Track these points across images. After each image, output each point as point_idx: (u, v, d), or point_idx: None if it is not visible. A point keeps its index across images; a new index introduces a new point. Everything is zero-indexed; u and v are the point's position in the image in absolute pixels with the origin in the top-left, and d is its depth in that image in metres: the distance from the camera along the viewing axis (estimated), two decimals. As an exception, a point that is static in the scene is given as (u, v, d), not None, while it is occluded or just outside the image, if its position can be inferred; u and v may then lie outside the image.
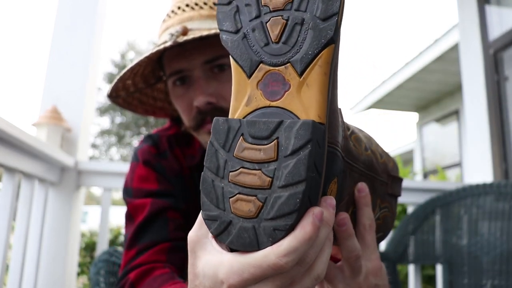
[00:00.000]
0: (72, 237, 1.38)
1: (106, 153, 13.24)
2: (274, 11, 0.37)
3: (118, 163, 1.55)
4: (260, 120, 0.35)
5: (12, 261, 1.11)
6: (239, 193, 0.35)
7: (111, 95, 0.81)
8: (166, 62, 0.75)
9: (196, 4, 0.73)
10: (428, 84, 5.56)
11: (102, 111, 12.56)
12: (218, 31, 0.51)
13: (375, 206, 0.52)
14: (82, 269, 3.19)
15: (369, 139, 0.54)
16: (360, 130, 0.54)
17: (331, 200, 0.37)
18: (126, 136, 12.98)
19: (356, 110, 7.09)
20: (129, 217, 0.74)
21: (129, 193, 0.77)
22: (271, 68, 0.37)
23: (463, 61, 2.47)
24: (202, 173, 0.38)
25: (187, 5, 0.73)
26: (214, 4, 0.74)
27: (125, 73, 0.76)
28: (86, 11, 1.53)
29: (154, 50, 0.69)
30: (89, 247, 3.46)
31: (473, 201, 1.17)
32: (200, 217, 0.39)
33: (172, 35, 0.69)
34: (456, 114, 5.72)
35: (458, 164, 5.66)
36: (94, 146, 12.89)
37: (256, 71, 0.37)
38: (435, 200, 1.23)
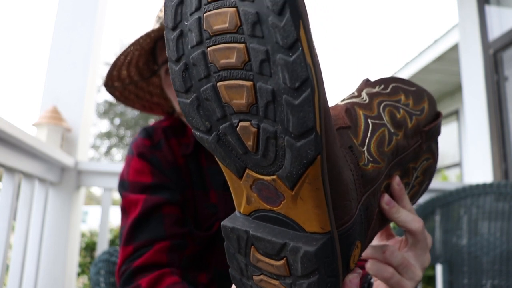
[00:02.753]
0: (72, 237, 1.38)
1: (106, 154, 13.22)
2: (239, 113, 0.31)
3: (118, 163, 1.55)
4: (265, 238, 0.34)
5: (12, 261, 1.11)
6: None
7: (107, 84, 0.83)
8: (159, 52, 0.77)
9: None
10: (428, 84, 5.56)
11: (102, 113, 12.55)
12: None
13: (408, 172, 0.50)
14: (82, 269, 3.19)
15: (393, 110, 0.47)
16: (383, 108, 0.46)
17: (353, 279, 0.38)
18: (126, 137, 12.98)
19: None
20: (124, 211, 0.75)
21: (125, 186, 0.77)
22: (259, 176, 0.33)
23: (463, 61, 2.47)
24: (230, 269, 0.39)
25: None
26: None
27: (118, 58, 0.77)
28: (86, 11, 1.53)
29: (144, 34, 0.70)
30: (89, 247, 3.45)
31: (473, 201, 1.17)
32: None
33: (160, 17, 0.70)
34: (456, 114, 5.72)
35: (458, 164, 5.66)
36: (94, 147, 12.89)
37: (245, 176, 0.34)
38: (435, 200, 1.23)
